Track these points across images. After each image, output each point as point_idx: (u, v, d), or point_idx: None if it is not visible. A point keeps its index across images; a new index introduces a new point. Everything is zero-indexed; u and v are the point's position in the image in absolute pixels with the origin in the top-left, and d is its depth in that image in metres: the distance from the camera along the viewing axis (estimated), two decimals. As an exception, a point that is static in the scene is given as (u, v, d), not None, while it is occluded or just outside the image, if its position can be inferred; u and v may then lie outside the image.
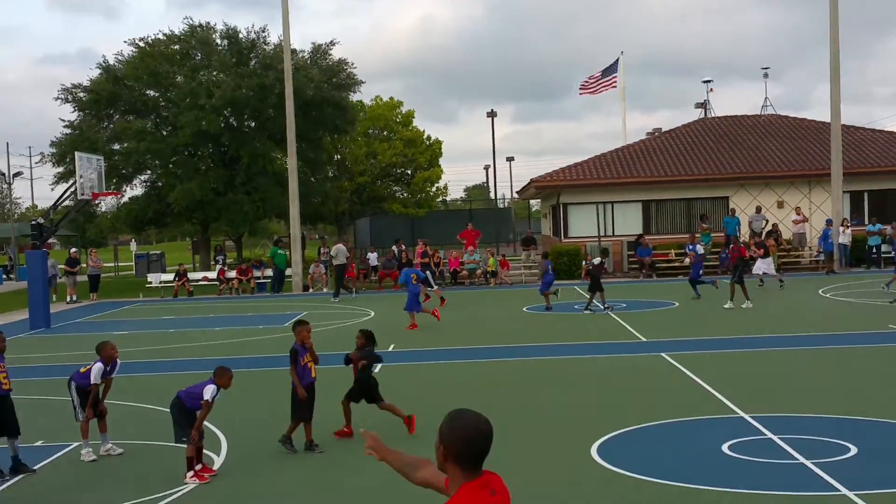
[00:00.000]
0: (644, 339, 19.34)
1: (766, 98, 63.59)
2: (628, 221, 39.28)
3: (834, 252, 35.61)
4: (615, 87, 49.07)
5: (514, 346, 19.32)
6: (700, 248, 29.89)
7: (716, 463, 9.70)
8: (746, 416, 11.67)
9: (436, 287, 27.39)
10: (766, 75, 53.29)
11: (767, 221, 37.26)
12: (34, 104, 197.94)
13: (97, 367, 10.80)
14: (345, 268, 32.96)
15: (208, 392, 9.79)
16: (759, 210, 37.57)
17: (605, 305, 24.89)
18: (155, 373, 17.40)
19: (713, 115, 50.31)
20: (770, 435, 10.67)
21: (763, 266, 28.16)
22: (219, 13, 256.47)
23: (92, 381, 10.77)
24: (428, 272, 27.71)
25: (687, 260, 30.72)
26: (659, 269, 35.78)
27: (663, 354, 16.89)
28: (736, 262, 25.28)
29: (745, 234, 37.08)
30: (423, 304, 22.96)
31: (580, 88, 50.18)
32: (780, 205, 39.03)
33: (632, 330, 20.82)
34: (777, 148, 41.65)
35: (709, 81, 56.23)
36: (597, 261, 26.21)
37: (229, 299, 34.77)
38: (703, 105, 54.45)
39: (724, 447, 10.19)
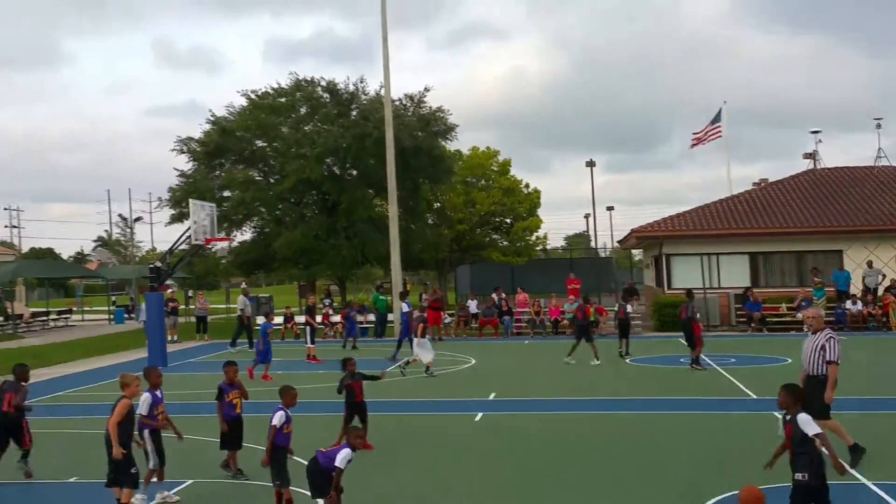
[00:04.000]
0: (754, 396, 18.75)
1: (879, 149, 61.81)
2: (734, 273, 38.42)
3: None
4: (720, 136, 48.42)
5: (616, 398, 18.95)
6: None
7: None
8: (868, 483, 11.14)
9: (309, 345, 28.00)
10: (878, 126, 51.86)
11: (885, 276, 35.90)
12: (149, 153, 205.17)
13: (146, 397, 11.27)
14: (248, 318, 33.40)
15: (341, 459, 9.54)
16: (870, 264, 36.25)
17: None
18: (257, 413, 17.44)
19: (822, 167, 49.11)
20: None
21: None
22: (312, 68, 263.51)
23: (139, 412, 11.16)
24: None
25: (800, 315, 29.24)
26: (770, 324, 34.77)
27: (775, 413, 16.27)
28: (580, 321, 25.83)
29: (858, 289, 35.85)
30: None
31: (692, 141, 49.51)
32: (899, 259, 37.61)
33: (741, 386, 20.21)
34: (894, 200, 40.30)
35: (817, 132, 55.10)
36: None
37: (333, 343, 35.08)
38: (812, 155, 53.21)
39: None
